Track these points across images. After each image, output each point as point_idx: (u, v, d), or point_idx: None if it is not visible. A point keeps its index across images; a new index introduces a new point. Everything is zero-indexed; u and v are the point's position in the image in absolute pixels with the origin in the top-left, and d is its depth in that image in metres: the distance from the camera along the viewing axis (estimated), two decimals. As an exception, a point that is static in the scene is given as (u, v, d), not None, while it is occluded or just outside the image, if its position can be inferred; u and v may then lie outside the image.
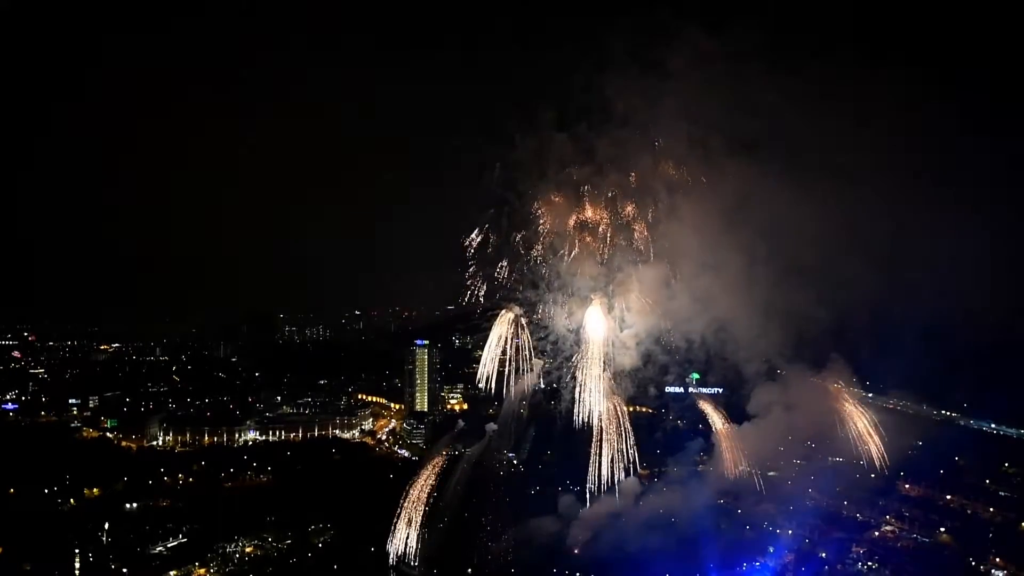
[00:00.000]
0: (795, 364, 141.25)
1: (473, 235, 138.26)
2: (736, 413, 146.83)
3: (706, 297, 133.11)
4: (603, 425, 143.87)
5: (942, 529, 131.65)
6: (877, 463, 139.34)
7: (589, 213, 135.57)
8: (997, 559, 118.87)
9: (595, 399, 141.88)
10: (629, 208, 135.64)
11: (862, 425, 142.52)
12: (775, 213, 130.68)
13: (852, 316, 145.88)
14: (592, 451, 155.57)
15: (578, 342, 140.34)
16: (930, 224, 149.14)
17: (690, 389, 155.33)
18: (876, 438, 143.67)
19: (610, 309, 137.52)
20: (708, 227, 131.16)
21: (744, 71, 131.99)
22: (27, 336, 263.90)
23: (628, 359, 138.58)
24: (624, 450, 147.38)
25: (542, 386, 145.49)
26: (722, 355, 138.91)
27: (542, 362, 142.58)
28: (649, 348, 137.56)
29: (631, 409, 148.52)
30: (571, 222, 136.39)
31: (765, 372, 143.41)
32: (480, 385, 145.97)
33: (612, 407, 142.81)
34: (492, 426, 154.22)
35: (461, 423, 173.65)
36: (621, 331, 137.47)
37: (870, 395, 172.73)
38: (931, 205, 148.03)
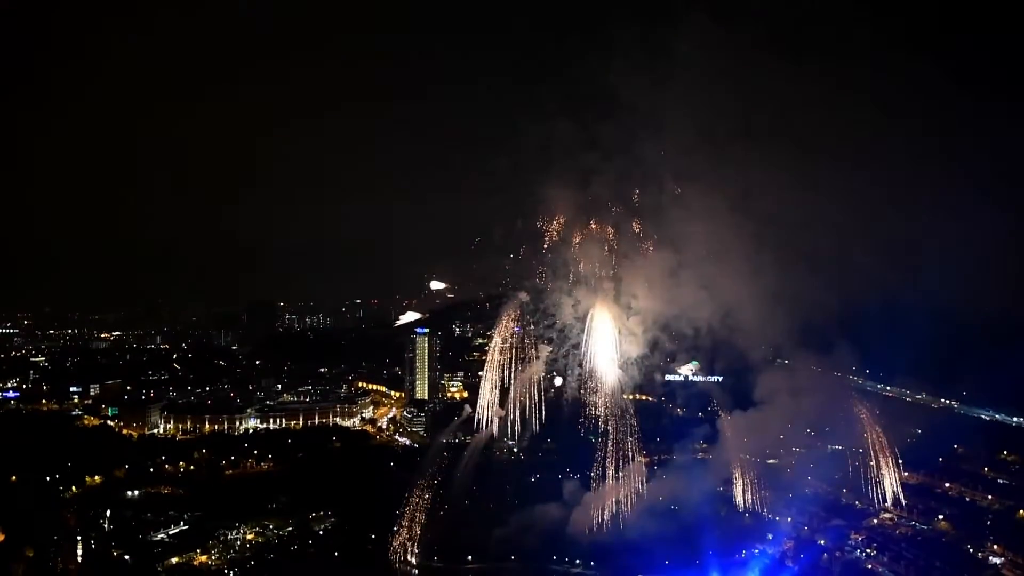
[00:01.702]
0: (798, 352, 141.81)
1: (479, 223, 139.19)
2: (737, 401, 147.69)
3: (712, 284, 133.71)
4: (607, 413, 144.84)
5: (940, 516, 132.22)
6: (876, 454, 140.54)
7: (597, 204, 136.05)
8: (995, 546, 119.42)
9: (601, 389, 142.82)
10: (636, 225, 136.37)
11: (862, 413, 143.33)
12: (782, 201, 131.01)
13: (853, 305, 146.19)
14: (594, 439, 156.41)
15: (584, 330, 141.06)
16: (934, 214, 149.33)
17: (690, 377, 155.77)
18: (876, 426, 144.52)
19: (617, 296, 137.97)
20: (714, 215, 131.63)
21: (752, 60, 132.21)
22: (28, 324, 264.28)
23: (635, 346, 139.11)
24: (626, 438, 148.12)
25: (544, 374, 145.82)
26: (728, 342, 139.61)
27: (548, 349, 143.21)
28: (656, 335, 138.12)
29: (631, 397, 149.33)
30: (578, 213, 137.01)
31: (767, 360, 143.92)
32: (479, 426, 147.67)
33: (615, 395, 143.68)
34: (499, 411, 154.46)
35: (468, 408, 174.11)
36: (628, 318, 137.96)
37: (868, 384, 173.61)
38: (936, 195, 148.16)
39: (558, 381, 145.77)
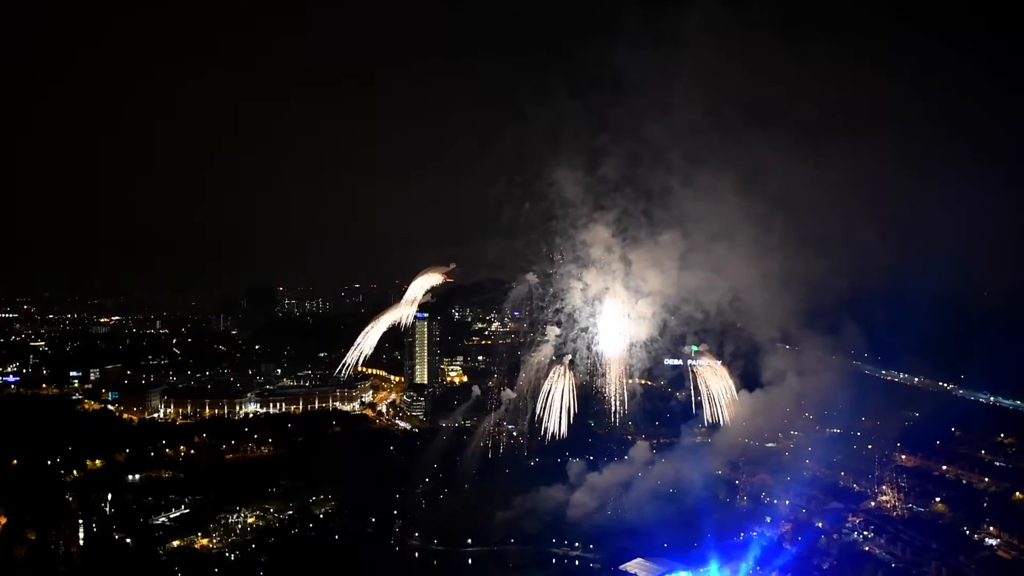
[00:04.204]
0: (800, 335, 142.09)
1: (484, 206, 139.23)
2: (739, 383, 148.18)
3: (718, 267, 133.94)
4: (610, 397, 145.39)
5: (937, 499, 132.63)
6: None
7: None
8: (991, 528, 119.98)
9: (607, 373, 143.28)
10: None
11: (861, 396, 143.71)
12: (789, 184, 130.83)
13: (853, 289, 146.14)
14: (594, 423, 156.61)
15: (594, 314, 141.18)
16: (937, 197, 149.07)
17: (688, 361, 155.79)
18: (875, 409, 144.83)
19: (626, 279, 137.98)
20: (722, 197, 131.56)
21: (760, 41, 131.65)
22: (28, 309, 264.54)
23: (644, 329, 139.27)
24: (628, 422, 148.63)
25: (552, 357, 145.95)
26: (733, 325, 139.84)
27: (557, 331, 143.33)
28: (664, 318, 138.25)
29: (633, 380, 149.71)
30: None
31: (769, 343, 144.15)
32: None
33: (621, 379, 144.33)
34: (509, 394, 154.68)
35: (476, 390, 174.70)
36: (636, 302, 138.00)
37: (868, 367, 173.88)
38: (940, 179, 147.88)
39: (560, 382, 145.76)
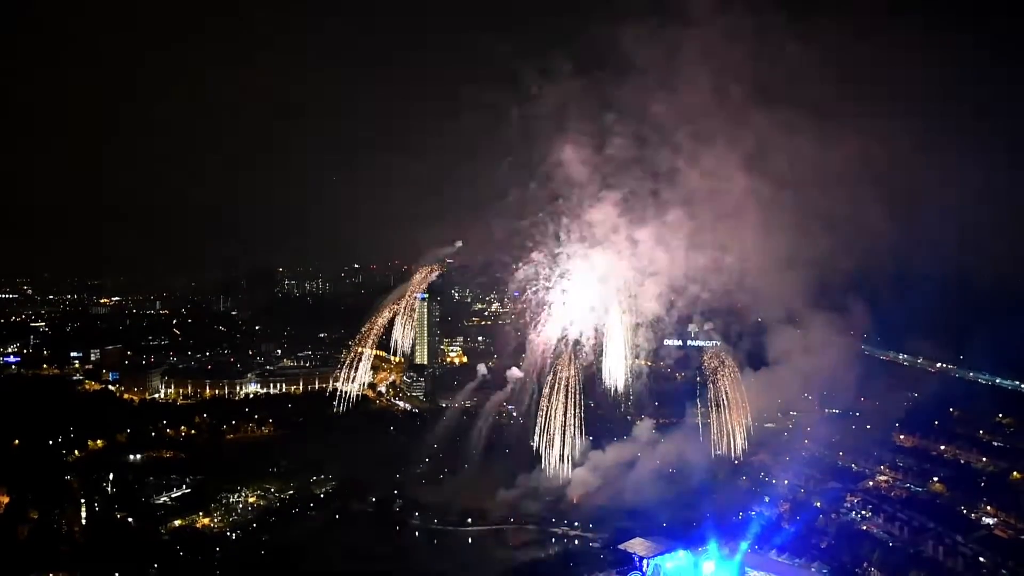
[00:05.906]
0: (802, 315, 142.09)
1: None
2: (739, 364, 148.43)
3: (724, 247, 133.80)
4: (611, 378, 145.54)
5: (935, 478, 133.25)
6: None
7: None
8: (988, 507, 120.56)
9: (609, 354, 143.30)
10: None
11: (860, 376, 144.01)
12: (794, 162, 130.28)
13: (854, 271, 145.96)
14: (593, 403, 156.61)
15: (600, 295, 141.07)
16: (941, 180, 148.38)
17: (688, 341, 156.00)
18: (874, 389, 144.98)
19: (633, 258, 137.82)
20: (729, 175, 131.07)
21: (766, 19, 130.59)
22: (27, 290, 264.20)
23: (650, 309, 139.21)
24: (630, 403, 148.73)
25: (558, 338, 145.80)
26: (731, 306, 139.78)
27: (562, 312, 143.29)
28: (671, 298, 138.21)
29: (636, 361, 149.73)
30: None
31: (768, 324, 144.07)
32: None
33: (624, 361, 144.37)
34: (516, 373, 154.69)
35: (483, 369, 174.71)
36: (642, 283, 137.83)
37: (868, 348, 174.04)
38: (944, 162, 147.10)
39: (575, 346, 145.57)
